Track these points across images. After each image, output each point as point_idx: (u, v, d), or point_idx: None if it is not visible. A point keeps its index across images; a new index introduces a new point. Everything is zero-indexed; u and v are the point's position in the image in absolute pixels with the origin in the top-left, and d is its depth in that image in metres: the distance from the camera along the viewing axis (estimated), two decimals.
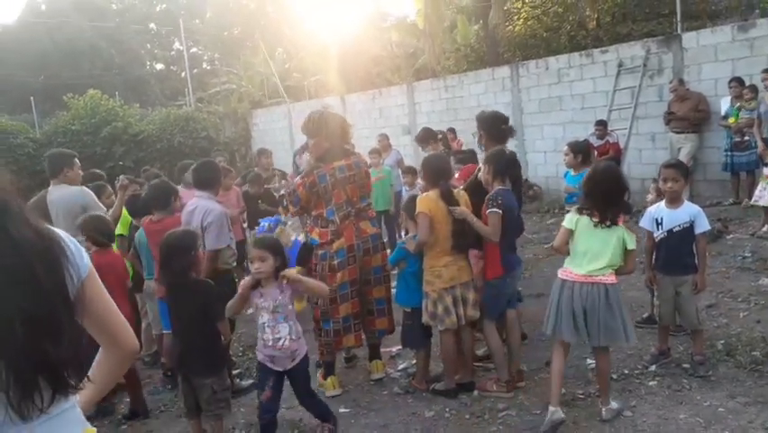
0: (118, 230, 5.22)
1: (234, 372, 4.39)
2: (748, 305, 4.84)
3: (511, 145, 4.70)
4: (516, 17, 14.05)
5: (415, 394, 3.97)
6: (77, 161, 4.86)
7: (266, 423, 3.36)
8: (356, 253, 4.06)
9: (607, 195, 3.24)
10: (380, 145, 8.58)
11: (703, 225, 3.75)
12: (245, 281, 3.31)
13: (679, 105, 8.42)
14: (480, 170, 4.05)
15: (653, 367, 3.93)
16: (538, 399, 3.69)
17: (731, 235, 6.85)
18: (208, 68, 33.84)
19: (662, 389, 3.66)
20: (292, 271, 3.38)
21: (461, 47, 15.58)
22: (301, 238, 5.18)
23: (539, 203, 10.26)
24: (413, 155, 12.30)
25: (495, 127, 4.35)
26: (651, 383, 3.74)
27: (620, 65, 9.49)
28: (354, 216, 4.08)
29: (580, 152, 5.33)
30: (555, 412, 3.27)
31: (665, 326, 4.02)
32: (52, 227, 1.43)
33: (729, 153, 7.79)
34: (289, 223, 5.80)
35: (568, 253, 3.38)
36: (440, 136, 6.51)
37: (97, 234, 4.05)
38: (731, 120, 7.64)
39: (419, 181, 7.28)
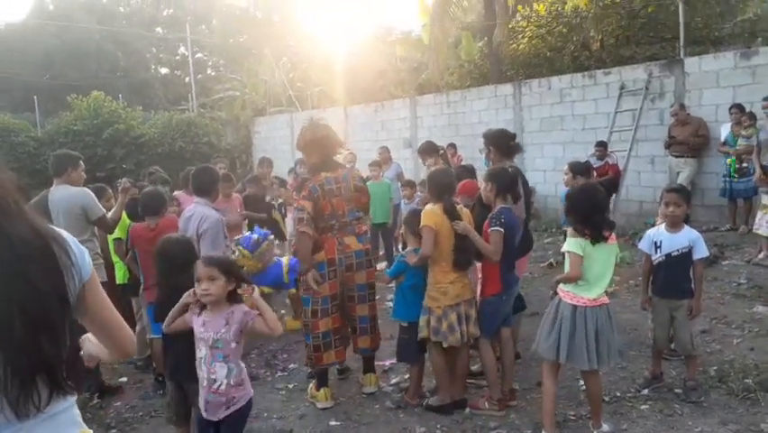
0: (116, 234, 5.23)
1: None
2: (742, 332, 4.85)
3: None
4: (520, 36, 14.15)
5: (407, 410, 3.95)
6: (82, 163, 4.87)
7: None
8: (337, 268, 4.01)
9: (586, 212, 3.27)
10: (381, 158, 8.64)
11: (702, 252, 3.77)
12: (188, 292, 2.88)
13: (679, 130, 8.47)
14: None
15: (645, 391, 3.93)
16: (529, 418, 3.69)
17: (727, 261, 6.87)
18: (212, 74, 33.95)
19: (653, 413, 3.66)
20: (258, 294, 2.92)
21: (464, 63, 15.69)
22: (284, 259, 5.20)
23: (537, 222, 10.28)
24: (413, 169, 12.35)
25: (503, 143, 4.40)
26: (643, 407, 3.74)
27: (622, 87, 9.56)
28: (338, 229, 4.03)
29: (580, 172, 5.39)
30: None
31: (659, 350, 4.03)
32: (55, 228, 1.44)
33: (728, 179, 7.83)
34: (277, 242, 5.81)
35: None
36: (441, 152, 6.54)
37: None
38: (731, 150, 7.70)
39: (418, 194, 7.33)
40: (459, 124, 12.40)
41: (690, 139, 8.37)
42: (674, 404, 3.73)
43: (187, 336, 3.21)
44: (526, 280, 6.86)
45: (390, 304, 4.89)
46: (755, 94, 7.88)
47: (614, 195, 9.15)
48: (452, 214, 3.74)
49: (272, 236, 5.21)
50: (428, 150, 6.32)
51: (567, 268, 3.35)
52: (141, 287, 4.56)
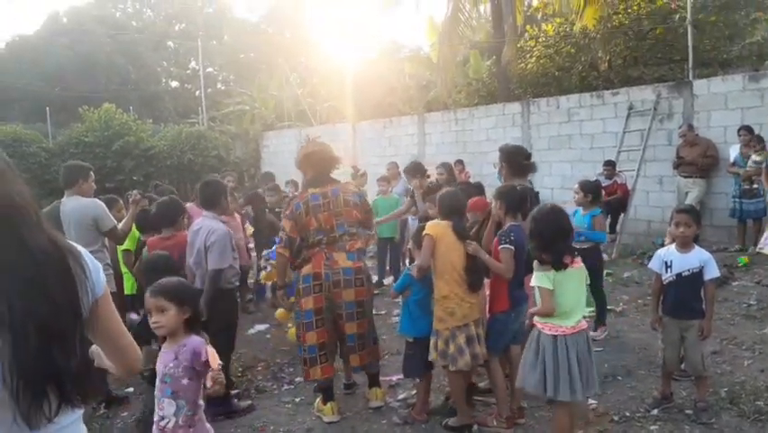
0: (126, 245, 5.26)
1: (233, 392, 4.36)
2: (753, 353, 4.81)
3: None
4: (528, 55, 14.24)
5: (414, 426, 3.93)
6: (93, 174, 4.91)
7: None
8: (323, 282, 4.00)
9: (550, 237, 3.18)
10: (389, 173, 8.66)
11: (713, 272, 3.75)
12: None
13: (688, 150, 8.48)
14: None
15: (654, 411, 3.89)
16: None
17: (736, 282, 6.83)
18: (222, 88, 34.29)
19: None
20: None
21: (472, 81, 15.78)
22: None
23: None
24: None
25: (516, 161, 4.39)
26: (652, 427, 3.71)
27: (630, 107, 9.59)
28: (326, 244, 4.03)
29: (590, 191, 5.38)
30: None
31: (669, 370, 4.00)
32: (71, 242, 1.45)
33: (738, 200, 7.82)
34: None
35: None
36: (428, 174, 6.45)
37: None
38: (741, 171, 7.70)
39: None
40: (467, 141, 12.45)
41: (698, 159, 8.37)
42: (684, 425, 3.69)
43: None
44: None
45: (397, 319, 4.87)
46: (763, 116, 7.90)
47: (622, 214, 9.16)
48: (461, 234, 3.74)
49: None
50: (414, 170, 6.29)
51: (538, 302, 3.24)
52: None
